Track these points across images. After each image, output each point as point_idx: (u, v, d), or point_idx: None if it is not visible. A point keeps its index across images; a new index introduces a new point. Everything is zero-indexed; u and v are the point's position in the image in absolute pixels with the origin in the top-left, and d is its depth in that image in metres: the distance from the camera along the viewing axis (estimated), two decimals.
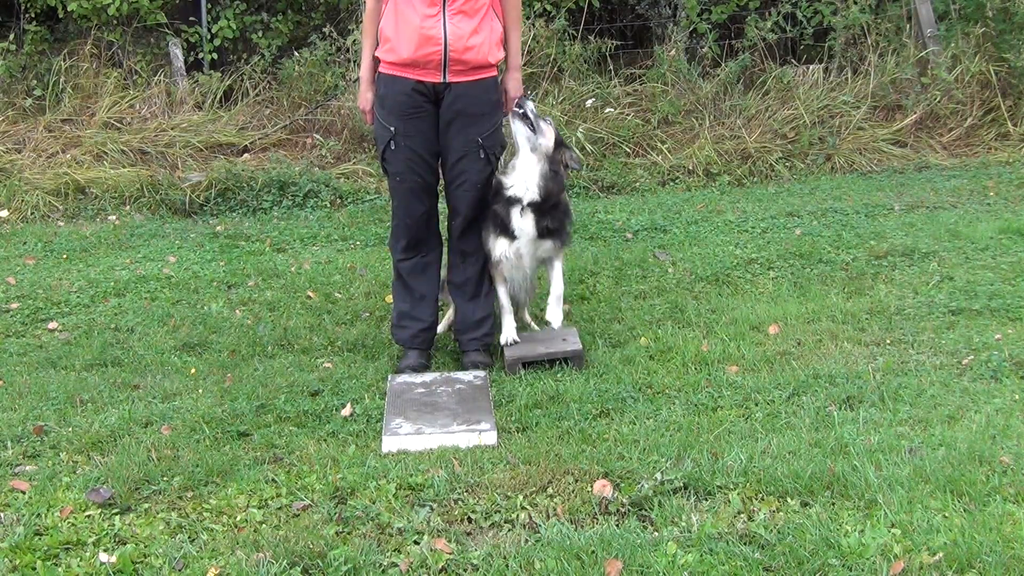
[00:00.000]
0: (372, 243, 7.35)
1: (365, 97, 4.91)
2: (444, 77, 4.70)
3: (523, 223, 4.88)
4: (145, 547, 3.29)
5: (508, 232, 4.91)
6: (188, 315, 5.81)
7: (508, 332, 5.01)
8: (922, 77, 9.74)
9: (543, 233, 4.92)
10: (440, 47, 4.64)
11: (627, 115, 9.56)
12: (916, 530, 3.17)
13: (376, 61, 4.83)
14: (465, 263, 5.01)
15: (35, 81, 9.76)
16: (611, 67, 10.02)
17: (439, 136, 4.83)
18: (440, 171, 4.97)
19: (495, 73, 4.86)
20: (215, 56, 10.10)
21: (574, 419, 4.23)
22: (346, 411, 4.38)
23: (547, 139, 4.90)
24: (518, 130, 4.89)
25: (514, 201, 4.88)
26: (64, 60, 9.70)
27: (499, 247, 4.94)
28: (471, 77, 4.73)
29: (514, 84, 4.97)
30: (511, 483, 3.62)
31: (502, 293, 5.08)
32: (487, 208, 4.95)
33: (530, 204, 4.87)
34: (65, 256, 7.18)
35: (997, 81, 9.62)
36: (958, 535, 3.10)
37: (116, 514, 3.51)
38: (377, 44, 4.80)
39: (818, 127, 9.39)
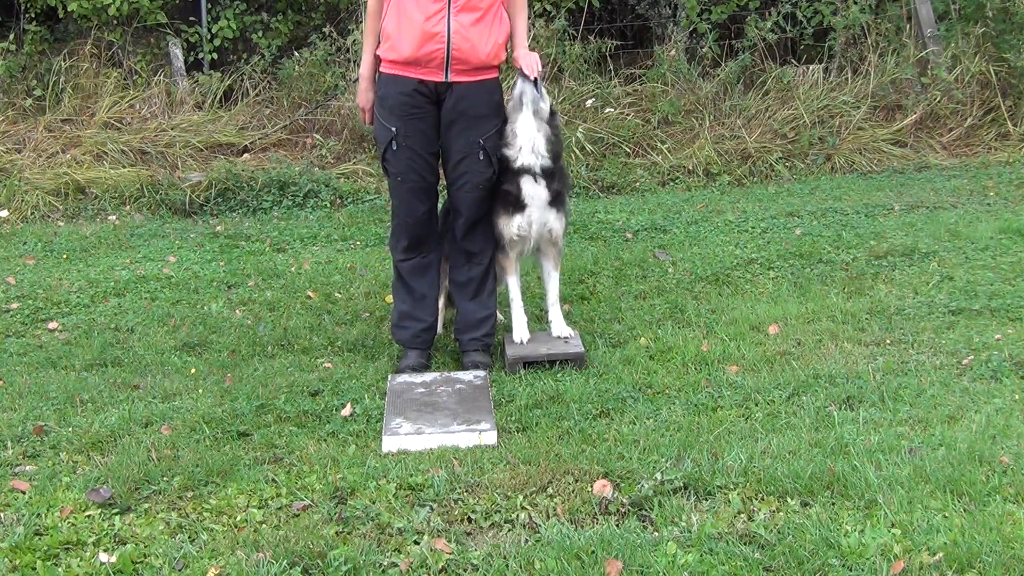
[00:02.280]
0: (372, 243, 7.35)
1: (365, 96, 4.91)
2: (446, 76, 4.70)
3: (536, 189, 4.88)
4: (145, 547, 3.29)
5: (519, 205, 4.90)
6: (188, 315, 5.81)
7: (521, 331, 5.02)
8: (922, 77, 9.74)
9: (553, 198, 4.92)
10: (443, 45, 4.63)
11: (627, 115, 9.56)
12: (916, 530, 3.17)
13: (377, 60, 4.83)
14: (470, 263, 5.00)
15: (35, 81, 9.76)
16: (611, 67, 10.02)
17: (440, 137, 4.83)
18: (441, 171, 4.97)
19: (497, 74, 4.86)
20: (215, 56, 10.10)
21: (574, 419, 4.23)
22: (346, 411, 4.38)
23: (546, 103, 4.91)
24: (525, 91, 4.82)
25: (524, 171, 4.87)
26: (64, 60, 9.70)
27: (513, 223, 4.92)
28: (473, 78, 4.73)
29: (526, 54, 4.89)
30: (511, 483, 3.62)
31: (513, 285, 5.08)
32: (489, 208, 4.95)
33: (542, 170, 4.87)
34: (65, 256, 7.18)
35: (997, 81, 9.62)
36: (958, 535, 3.10)
37: (116, 514, 3.51)
38: (378, 43, 4.80)
39: (818, 127, 9.39)
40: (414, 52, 4.66)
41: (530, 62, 4.81)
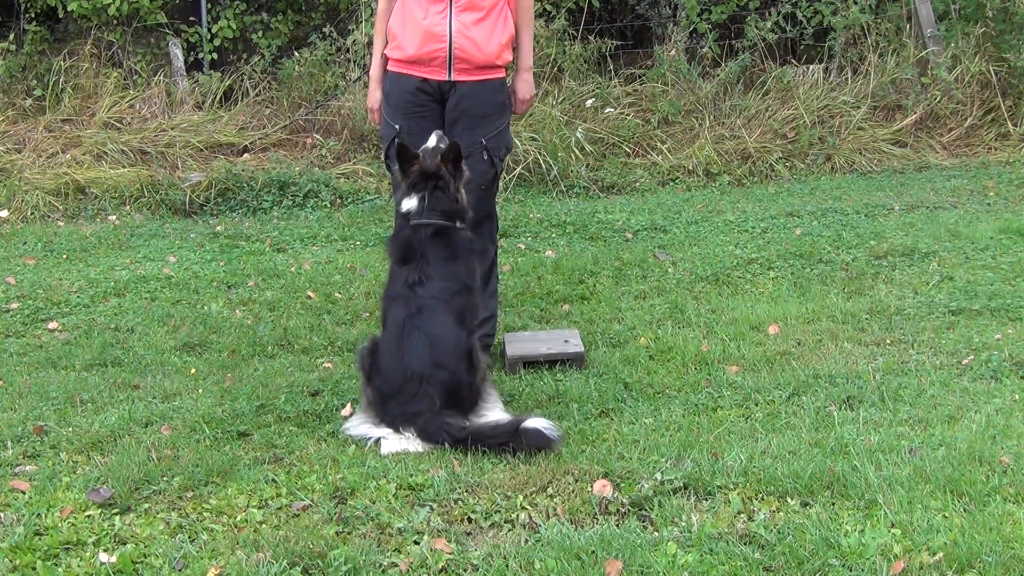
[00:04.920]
0: (372, 243, 7.34)
1: (373, 96, 4.95)
2: (449, 75, 4.71)
3: None
4: (145, 547, 3.29)
5: None
6: (188, 315, 5.80)
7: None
8: (922, 77, 9.74)
9: None
10: (444, 44, 4.65)
11: (627, 115, 9.56)
12: (916, 530, 3.17)
13: (385, 60, 4.86)
14: None
15: (35, 81, 9.76)
16: (611, 67, 10.02)
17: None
18: None
19: (503, 74, 4.86)
20: (215, 56, 10.10)
21: (574, 419, 4.23)
22: (346, 411, 4.37)
23: None
24: None
25: None
26: (64, 60, 9.70)
27: None
28: (477, 77, 4.73)
29: (524, 86, 4.95)
30: (511, 483, 3.62)
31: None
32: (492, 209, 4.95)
33: None
34: (65, 256, 7.18)
35: (997, 81, 9.62)
36: (958, 535, 3.10)
37: (116, 514, 3.50)
38: (387, 43, 4.83)
39: (818, 127, 9.39)
40: (416, 51, 4.68)
41: (522, 97, 4.92)
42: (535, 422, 3.89)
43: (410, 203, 4.35)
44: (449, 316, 4.22)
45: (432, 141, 4.47)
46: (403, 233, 4.37)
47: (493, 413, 4.17)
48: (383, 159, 4.99)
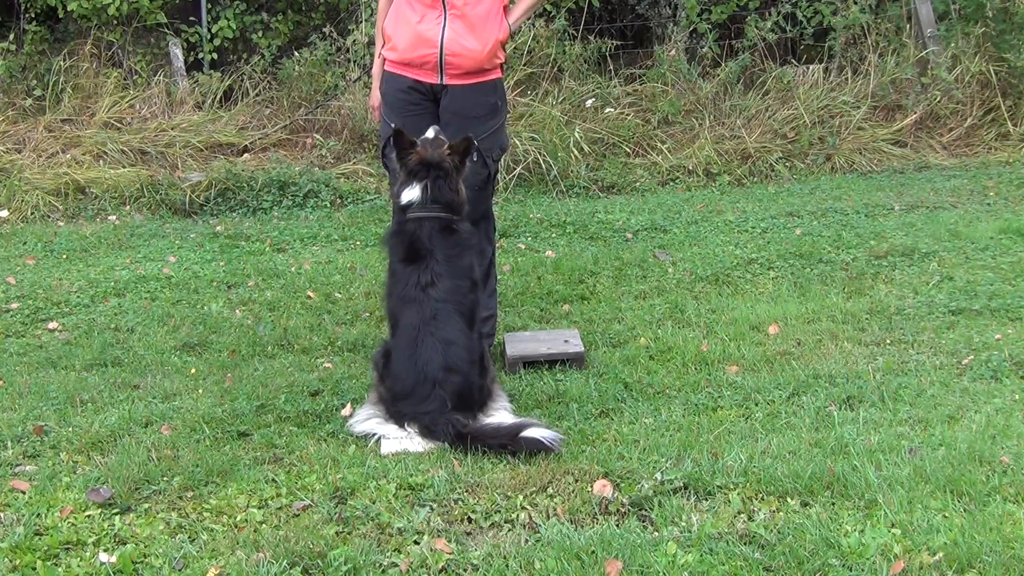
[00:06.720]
0: (372, 243, 7.34)
1: (375, 94, 4.98)
2: (441, 79, 4.72)
3: None
4: (145, 547, 3.29)
5: None
6: (188, 315, 5.80)
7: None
8: (922, 77, 9.75)
9: None
10: (436, 50, 4.66)
11: (627, 115, 9.56)
12: (916, 530, 3.17)
13: (383, 59, 4.88)
14: None
15: (35, 81, 9.76)
16: (611, 67, 10.02)
17: None
18: None
19: (497, 75, 4.86)
20: (215, 56, 10.10)
21: (574, 419, 4.23)
22: (346, 411, 4.37)
23: None
24: None
25: None
26: (64, 60, 9.70)
27: None
28: (468, 81, 4.74)
29: None
30: (511, 483, 3.62)
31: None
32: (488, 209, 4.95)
33: None
34: (65, 256, 7.18)
35: (997, 81, 9.62)
36: (958, 535, 3.10)
37: (116, 514, 3.50)
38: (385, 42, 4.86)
39: (818, 127, 9.39)
40: (408, 54, 4.70)
41: None
42: (536, 432, 3.88)
43: (411, 194, 4.35)
44: (461, 319, 4.24)
45: (430, 134, 4.48)
46: (406, 229, 4.37)
47: (500, 413, 4.18)
48: (380, 157, 4.99)
